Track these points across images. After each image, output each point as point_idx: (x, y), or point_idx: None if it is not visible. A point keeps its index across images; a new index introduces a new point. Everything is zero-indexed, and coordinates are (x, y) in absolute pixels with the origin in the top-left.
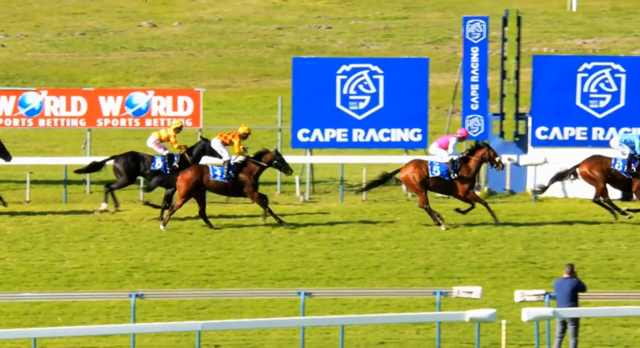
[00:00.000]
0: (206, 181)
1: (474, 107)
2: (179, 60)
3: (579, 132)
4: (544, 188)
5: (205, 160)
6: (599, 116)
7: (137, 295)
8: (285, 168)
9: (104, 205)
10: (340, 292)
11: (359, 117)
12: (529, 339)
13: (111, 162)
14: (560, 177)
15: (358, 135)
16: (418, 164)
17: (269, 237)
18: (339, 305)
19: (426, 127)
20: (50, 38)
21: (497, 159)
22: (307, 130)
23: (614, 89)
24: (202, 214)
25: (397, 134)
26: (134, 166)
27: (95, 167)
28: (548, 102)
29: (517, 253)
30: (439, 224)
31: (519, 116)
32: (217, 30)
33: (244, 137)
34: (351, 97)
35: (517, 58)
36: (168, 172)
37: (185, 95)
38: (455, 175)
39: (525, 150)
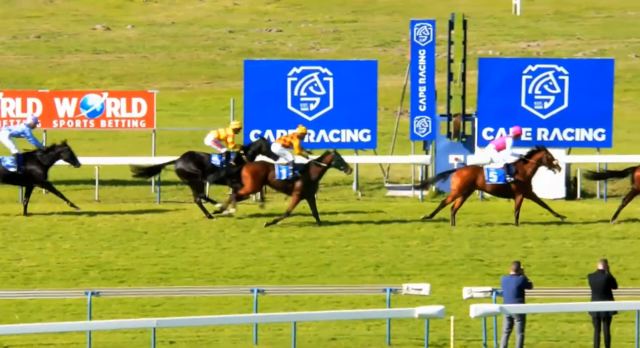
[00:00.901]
0: (271, 178)
1: (422, 108)
2: (132, 63)
3: (524, 133)
4: (597, 176)
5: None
6: (544, 117)
7: (93, 293)
8: (345, 167)
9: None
10: (292, 289)
11: (310, 118)
12: (477, 335)
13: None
14: (601, 176)
15: (309, 135)
16: (473, 170)
17: (222, 235)
18: (291, 302)
19: (375, 127)
20: (6, 41)
21: (554, 162)
22: (259, 131)
23: (558, 90)
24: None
25: (347, 135)
26: (194, 166)
27: (154, 170)
28: (494, 104)
29: (465, 251)
30: (425, 218)
31: (465, 117)
32: (170, 34)
33: (301, 137)
34: (302, 99)
35: (464, 60)
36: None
37: (139, 97)
38: (512, 178)
39: (472, 151)
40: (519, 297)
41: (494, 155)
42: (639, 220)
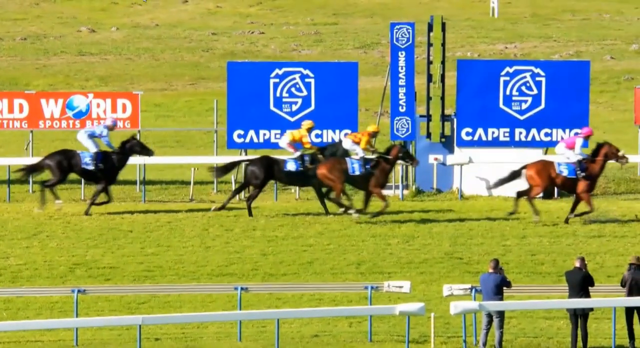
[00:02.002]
0: (346, 171)
1: (402, 109)
2: (117, 65)
3: (502, 133)
4: None
5: None
6: (521, 118)
7: (79, 291)
8: (411, 160)
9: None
10: (275, 287)
11: (292, 119)
12: (457, 331)
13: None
14: None
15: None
16: (545, 164)
17: (207, 234)
18: (275, 300)
19: (356, 128)
20: None
21: (619, 154)
22: (242, 132)
23: (535, 91)
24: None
25: (329, 135)
26: (266, 172)
27: (233, 166)
28: (472, 105)
29: (445, 249)
30: (536, 214)
31: (444, 118)
32: (154, 36)
33: (373, 135)
34: (284, 100)
35: (442, 62)
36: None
37: (124, 98)
38: (583, 174)
39: (451, 151)
40: (498, 294)
41: (564, 152)
42: (615, 220)
